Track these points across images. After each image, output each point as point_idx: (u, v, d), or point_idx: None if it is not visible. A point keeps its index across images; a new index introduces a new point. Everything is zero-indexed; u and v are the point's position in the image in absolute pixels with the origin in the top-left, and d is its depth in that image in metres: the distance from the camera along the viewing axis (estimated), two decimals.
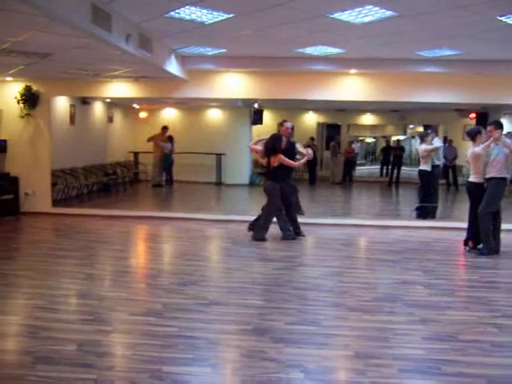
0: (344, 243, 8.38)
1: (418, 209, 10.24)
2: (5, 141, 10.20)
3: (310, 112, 19.21)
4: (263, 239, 8.11)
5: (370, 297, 5.44)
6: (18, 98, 10.02)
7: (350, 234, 9.13)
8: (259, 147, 8.42)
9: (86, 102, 13.02)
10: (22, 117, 10.14)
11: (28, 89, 10.02)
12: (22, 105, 10.06)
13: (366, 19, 6.17)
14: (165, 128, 15.33)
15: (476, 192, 7.39)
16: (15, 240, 8.51)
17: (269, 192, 8.18)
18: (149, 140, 15.02)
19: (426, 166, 9.90)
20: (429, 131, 10.28)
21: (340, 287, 5.83)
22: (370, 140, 25.63)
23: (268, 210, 8.23)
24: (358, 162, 20.76)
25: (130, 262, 7.05)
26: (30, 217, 10.04)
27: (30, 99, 10.03)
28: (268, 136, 8.34)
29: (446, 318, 4.83)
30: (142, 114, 17.02)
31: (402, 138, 20.78)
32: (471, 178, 7.48)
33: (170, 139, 15.23)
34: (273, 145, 8.09)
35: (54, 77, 9.77)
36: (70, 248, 7.57)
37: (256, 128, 16.09)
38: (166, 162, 15.18)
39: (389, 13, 5.84)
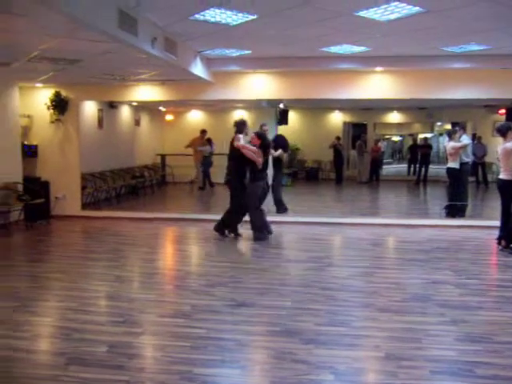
0: (372, 243, 8.30)
1: (447, 207, 10.08)
2: (36, 146, 10.42)
3: (336, 111, 19.10)
4: (266, 238, 8.18)
5: (400, 297, 5.37)
6: (48, 103, 10.23)
7: (378, 233, 9.04)
8: (253, 147, 8.15)
9: (113, 105, 13.20)
10: (52, 122, 10.35)
11: (57, 94, 10.22)
12: (51, 110, 10.26)
13: (393, 16, 6.10)
14: (203, 131, 15.27)
15: (507, 189, 7.24)
16: (46, 243, 8.67)
17: (255, 193, 8.13)
18: (188, 146, 15.02)
19: (454, 164, 9.74)
20: (457, 128, 10.12)
21: (369, 287, 5.78)
22: (396, 138, 25.33)
23: (251, 211, 8.21)
24: (384, 160, 20.54)
25: (158, 264, 7.11)
26: (60, 220, 10.22)
27: (59, 105, 10.22)
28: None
29: (478, 318, 4.75)
30: (169, 117, 17.17)
31: (429, 135, 20.46)
32: (502, 175, 7.33)
33: (209, 141, 15.21)
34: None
35: (82, 82, 9.94)
36: (100, 250, 7.68)
37: (282, 128, 16.07)
38: (205, 165, 15.16)
39: (416, 9, 5.77)
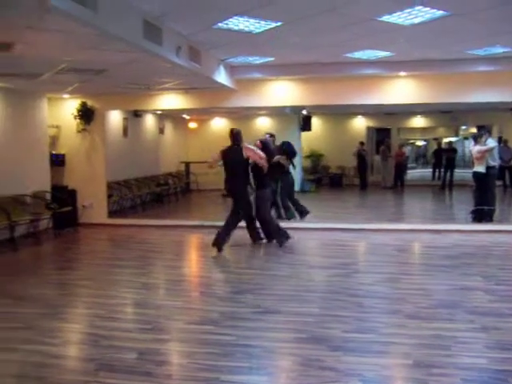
0: (398, 249, 8.22)
1: (473, 212, 9.93)
2: (63, 155, 10.61)
3: (359, 116, 19.02)
4: (285, 241, 8.11)
5: (428, 303, 5.30)
6: (75, 113, 10.41)
7: (404, 239, 8.95)
8: (261, 153, 8.19)
9: (138, 114, 13.37)
10: (79, 131, 10.53)
11: (84, 105, 10.40)
12: (78, 120, 10.45)
13: (416, 20, 6.07)
14: (272, 136, 15.09)
15: None
16: (74, 250, 8.82)
17: (265, 199, 8.16)
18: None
19: (480, 168, 9.60)
20: (482, 132, 9.99)
21: (396, 294, 5.73)
22: (420, 143, 25.07)
23: (266, 218, 8.22)
24: (408, 165, 20.33)
25: (184, 271, 7.16)
26: (87, 228, 10.37)
27: (85, 114, 10.40)
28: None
29: (509, 325, 4.66)
30: (192, 125, 17.31)
31: (454, 139, 20.22)
32: None
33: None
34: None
35: (107, 92, 10.09)
36: (126, 258, 7.77)
37: (305, 134, 16.08)
38: None
39: (440, 13, 5.73)
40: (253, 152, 8.04)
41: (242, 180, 7.97)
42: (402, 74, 9.33)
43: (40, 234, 9.00)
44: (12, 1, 4.01)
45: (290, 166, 10.33)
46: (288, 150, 10.17)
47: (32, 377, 3.76)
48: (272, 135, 10.52)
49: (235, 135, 8.02)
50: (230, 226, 7.94)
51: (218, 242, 7.77)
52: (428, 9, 5.64)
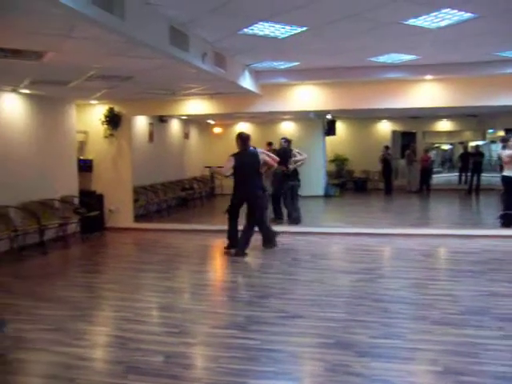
0: (424, 254, 8.13)
1: (502, 217, 9.75)
2: (91, 160, 10.79)
3: (384, 120, 18.89)
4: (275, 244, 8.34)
5: (456, 310, 5.23)
6: (102, 119, 10.58)
7: (430, 244, 8.84)
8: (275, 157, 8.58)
9: (163, 120, 13.51)
10: (106, 137, 10.69)
11: (111, 110, 10.57)
12: (105, 126, 10.61)
13: (443, 23, 6.02)
14: (269, 144, 15.13)
15: None
16: (101, 254, 8.95)
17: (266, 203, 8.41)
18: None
19: (509, 172, 9.45)
20: (511, 135, 9.83)
21: (423, 299, 5.66)
22: (446, 147, 24.77)
23: (266, 221, 8.44)
24: (434, 169, 20.09)
25: (209, 276, 7.19)
26: (113, 232, 10.51)
27: (112, 120, 10.57)
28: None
29: None
30: (217, 130, 17.40)
31: (480, 143, 19.92)
32: None
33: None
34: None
35: (133, 98, 10.24)
36: (152, 262, 7.84)
37: (329, 139, 16.03)
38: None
39: (467, 15, 5.67)
40: (268, 156, 8.24)
41: (259, 183, 8.03)
42: (428, 77, 9.24)
43: (68, 238, 9.15)
44: (42, 10, 4.11)
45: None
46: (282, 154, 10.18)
47: (62, 378, 3.83)
48: (287, 140, 10.73)
49: (245, 139, 8.07)
50: (250, 230, 8.01)
51: (239, 248, 7.86)
52: (455, 11, 5.59)
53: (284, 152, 10.36)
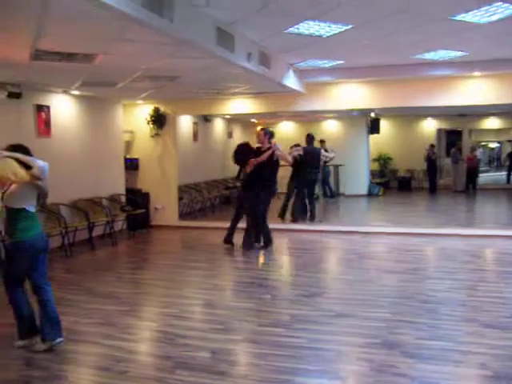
0: (472, 254, 7.95)
1: None
2: (137, 159, 11.03)
3: (429, 118, 18.51)
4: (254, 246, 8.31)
5: (508, 313, 5.10)
6: (148, 119, 10.79)
7: (478, 244, 8.63)
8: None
9: (207, 119, 13.67)
10: (152, 136, 10.90)
11: (156, 110, 10.76)
12: (151, 125, 10.81)
13: (494, 18, 5.85)
14: (322, 141, 14.99)
15: None
16: (147, 251, 9.15)
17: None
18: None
19: None
20: None
21: (472, 301, 5.55)
22: (493, 145, 24.07)
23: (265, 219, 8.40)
24: (481, 168, 19.56)
25: (253, 273, 7.23)
26: (159, 229, 10.72)
27: (158, 120, 10.76)
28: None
29: None
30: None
31: None
32: None
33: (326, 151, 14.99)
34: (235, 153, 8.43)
35: (179, 97, 10.40)
36: (197, 259, 7.95)
37: (373, 137, 15.85)
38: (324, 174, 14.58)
39: None
40: (282, 153, 8.42)
41: (273, 178, 8.27)
42: (476, 73, 9.01)
43: (115, 235, 9.38)
44: (96, 15, 4.24)
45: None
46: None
47: (114, 370, 3.94)
48: (298, 144, 11.04)
49: (270, 136, 8.37)
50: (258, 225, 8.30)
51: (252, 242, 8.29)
52: (508, 5, 5.43)
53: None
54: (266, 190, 8.20)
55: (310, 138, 10.96)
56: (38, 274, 4.33)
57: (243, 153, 8.37)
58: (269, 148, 8.19)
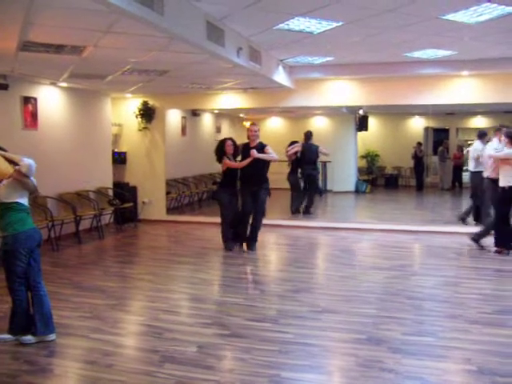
0: (457, 252, 8.04)
1: None
2: (125, 153, 10.98)
3: (416, 116, 18.60)
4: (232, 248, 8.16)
5: (491, 309, 5.17)
6: (137, 112, 10.74)
7: (463, 242, 8.68)
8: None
9: (196, 113, 13.61)
10: (140, 130, 10.85)
11: (145, 104, 10.72)
12: (139, 119, 10.77)
13: (482, 18, 5.91)
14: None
15: None
16: (135, 246, 9.12)
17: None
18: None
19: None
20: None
21: (456, 298, 5.61)
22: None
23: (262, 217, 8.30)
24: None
25: (242, 269, 7.25)
26: (146, 224, 10.69)
27: (146, 113, 10.72)
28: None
29: None
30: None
31: None
32: None
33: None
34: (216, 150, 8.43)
35: (167, 92, 10.36)
36: (185, 254, 7.95)
37: (361, 134, 15.91)
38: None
39: (509, 9, 5.55)
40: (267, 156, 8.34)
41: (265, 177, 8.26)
42: (465, 73, 9.08)
43: (102, 229, 9.34)
44: (86, 7, 4.21)
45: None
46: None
47: (101, 364, 3.94)
48: (296, 141, 11.24)
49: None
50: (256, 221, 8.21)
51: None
52: (495, 5, 5.48)
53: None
54: (264, 191, 8.18)
55: (308, 135, 11.14)
56: (34, 271, 4.37)
57: (218, 149, 8.40)
58: (255, 146, 8.18)
